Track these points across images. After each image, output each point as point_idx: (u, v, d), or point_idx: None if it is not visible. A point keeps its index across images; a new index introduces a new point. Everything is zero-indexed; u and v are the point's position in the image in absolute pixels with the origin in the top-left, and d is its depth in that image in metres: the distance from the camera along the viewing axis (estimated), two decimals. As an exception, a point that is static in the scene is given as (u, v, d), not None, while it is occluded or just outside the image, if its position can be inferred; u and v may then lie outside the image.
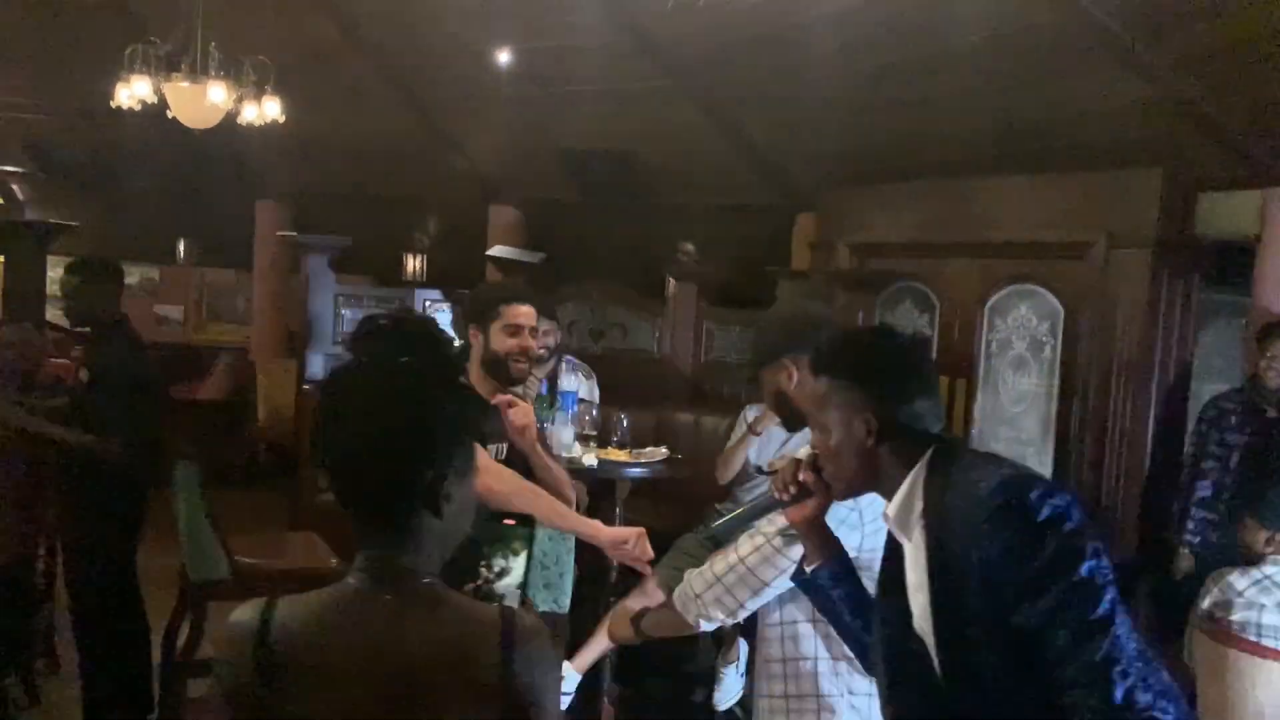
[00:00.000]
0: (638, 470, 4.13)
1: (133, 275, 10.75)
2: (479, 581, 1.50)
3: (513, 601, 1.46)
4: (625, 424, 4.38)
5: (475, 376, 2.70)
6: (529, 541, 1.49)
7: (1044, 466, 5.30)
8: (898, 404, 1.66)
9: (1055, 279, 5.36)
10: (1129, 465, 4.84)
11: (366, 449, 1.26)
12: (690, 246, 8.41)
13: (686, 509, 4.39)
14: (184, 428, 6.08)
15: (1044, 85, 4.86)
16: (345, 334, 5.22)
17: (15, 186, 10.09)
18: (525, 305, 2.73)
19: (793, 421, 2.35)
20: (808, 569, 1.87)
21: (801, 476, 1.78)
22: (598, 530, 2.49)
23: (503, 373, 2.71)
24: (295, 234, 5.61)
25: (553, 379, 4.72)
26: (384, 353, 1.30)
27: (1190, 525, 4.43)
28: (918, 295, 6.05)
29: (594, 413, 4.50)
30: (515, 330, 2.69)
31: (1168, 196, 4.78)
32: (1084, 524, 1.47)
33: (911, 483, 1.64)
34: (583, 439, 4.27)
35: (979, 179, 5.69)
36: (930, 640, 1.60)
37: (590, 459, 4.02)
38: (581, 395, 4.48)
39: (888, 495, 1.68)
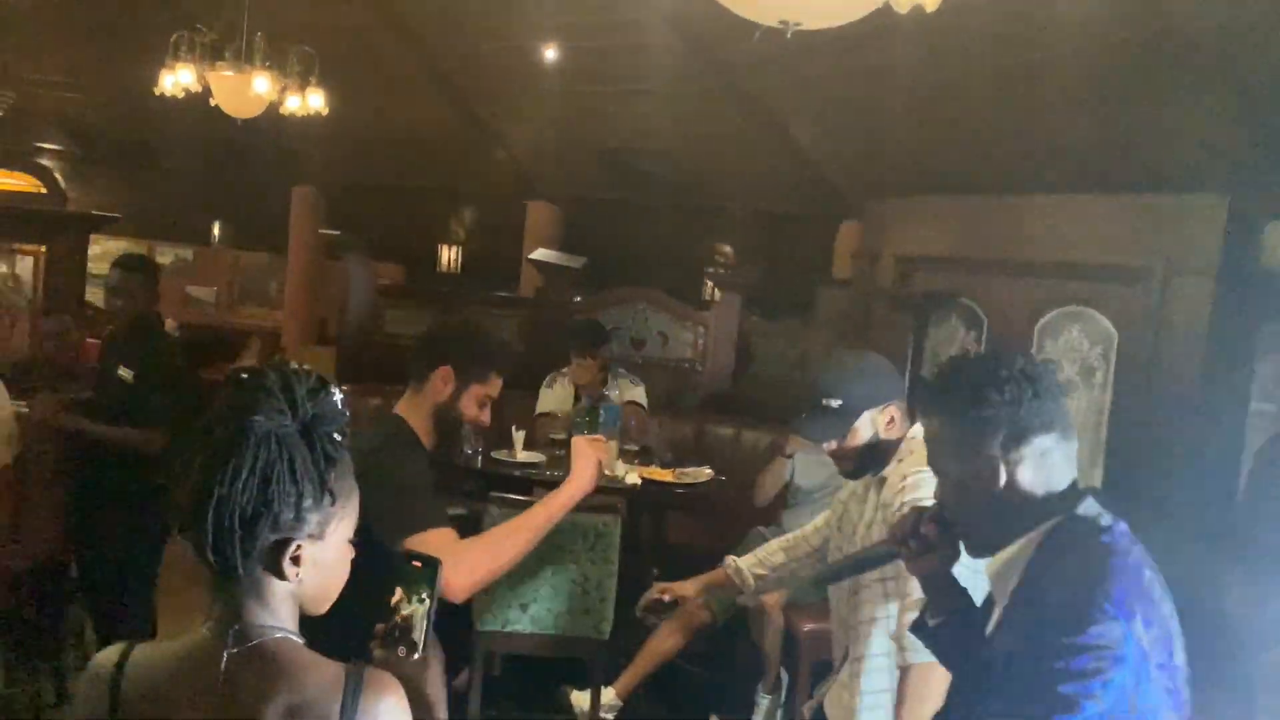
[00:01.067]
0: (680, 492, 4.04)
1: (166, 255, 10.78)
2: (388, 624, 1.43)
3: (415, 649, 1.39)
4: (667, 441, 4.30)
5: (419, 420, 2.41)
6: (432, 584, 1.45)
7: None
8: (1029, 444, 1.49)
9: (1110, 303, 5.22)
10: (1181, 500, 4.70)
11: (204, 506, 1.23)
12: (728, 249, 8.32)
13: (729, 529, 4.30)
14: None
15: (1108, 105, 4.72)
16: (376, 340, 5.15)
17: (53, 166, 10.06)
18: (503, 379, 2.49)
19: (861, 470, 2.27)
20: (930, 622, 1.72)
21: (924, 530, 1.63)
22: (565, 497, 2.40)
23: (449, 435, 2.46)
24: (337, 232, 5.53)
25: (597, 391, 4.64)
26: (230, 407, 1.26)
27: (1242, 566, 4.30)
28: (965, 311, 5.92)
29: (642, 415, 4.41)
30: (486, 401, 2.45)
31: (1233, 224, 4.62)
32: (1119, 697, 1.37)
33: (1020, 548, 1.52)
34: (626, 454, 4.19)
35: (1033, 196, 5.55)
36: None
37: (633, 478, 3.93)
38: (635, 399, 4.40)
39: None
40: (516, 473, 4.06)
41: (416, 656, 1.37)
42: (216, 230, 10.55)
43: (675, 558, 4.28)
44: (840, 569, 1.90)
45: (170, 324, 9.18)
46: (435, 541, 2.18)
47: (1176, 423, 4.81)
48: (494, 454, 4.18)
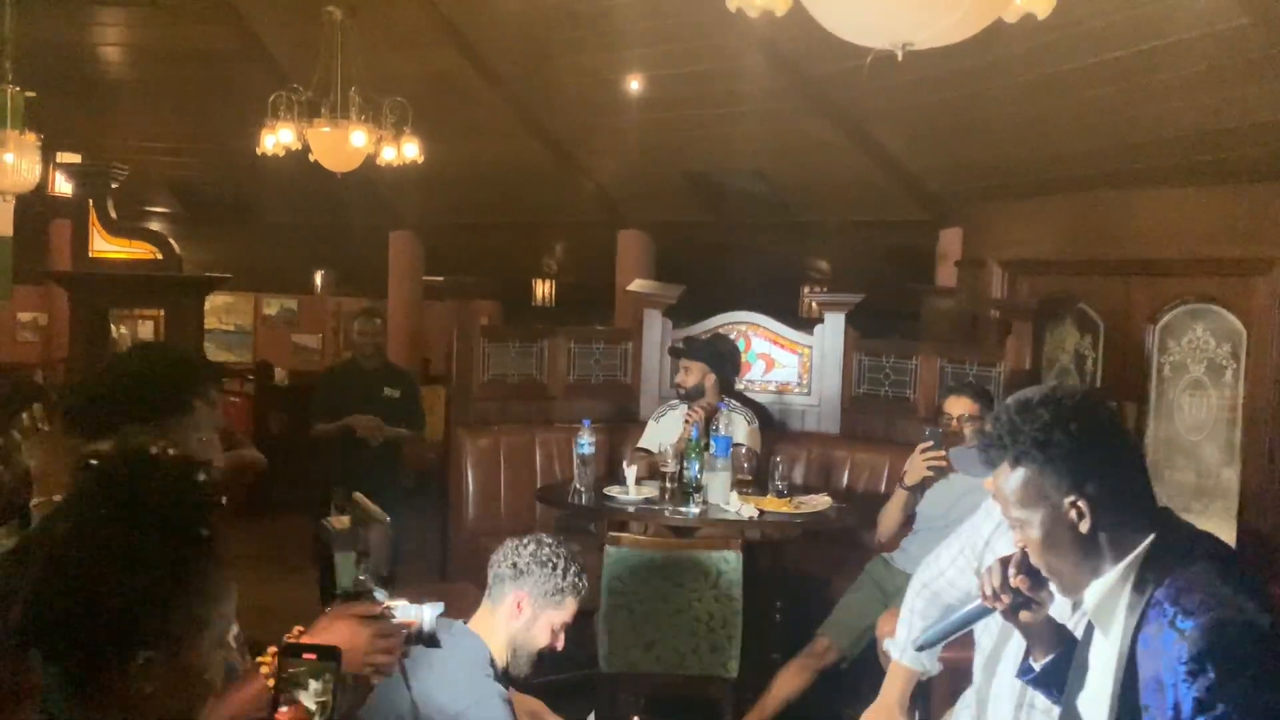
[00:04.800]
0: (799, 522, 3.95)
1: (272, 306, 11.14)
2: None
3: None
4: (780, 469, 4.20)
5: (495, 640, 2.32)
6: (337, 673, 1.27)
7: (1228, 499, 4.93)
8: (1108, 477, 1.52)
9: (1235, 297, 4.98)
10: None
11: None
12: (824, 265, 8.21)
13: (850, 556, 4.20)
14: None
15: (1227, 88, 4.50)
16: (490, 375, 5.20)
17: (164, 229, 10.52)
18: (579, 601, 2.42)
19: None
20: (1035, 665, 1.73)
21: (1014, 582, 1.63)
22: None
23: (518, 663, 2.37)
24: (440, 278, 5.63)
25: (707, 421, 4.57)
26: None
27: None
28: (1078, 315, 5.72)
29: (746, 454, 4.34)
30: (562, 628, 2.36)
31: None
32: None
33: (1123, 572, 1.52)
34: (739, 485, 4.12)
35: (1147, 189, 5.33)
36: None
37: (749, 510, 3.86)
38: (738, 439, 4.32)
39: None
40: (631, 509, 4.03)
41: None
42: (319, 279, 10.85)
43: (797, 589, 4.20)
44: (941, 631, 1.85)
45: (280, 373, 9.49)
46: None
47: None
48: (606, 490, 4.15)
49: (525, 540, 2.39)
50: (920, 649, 2.01)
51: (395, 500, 4.69)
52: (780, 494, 4.09)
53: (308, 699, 1.27)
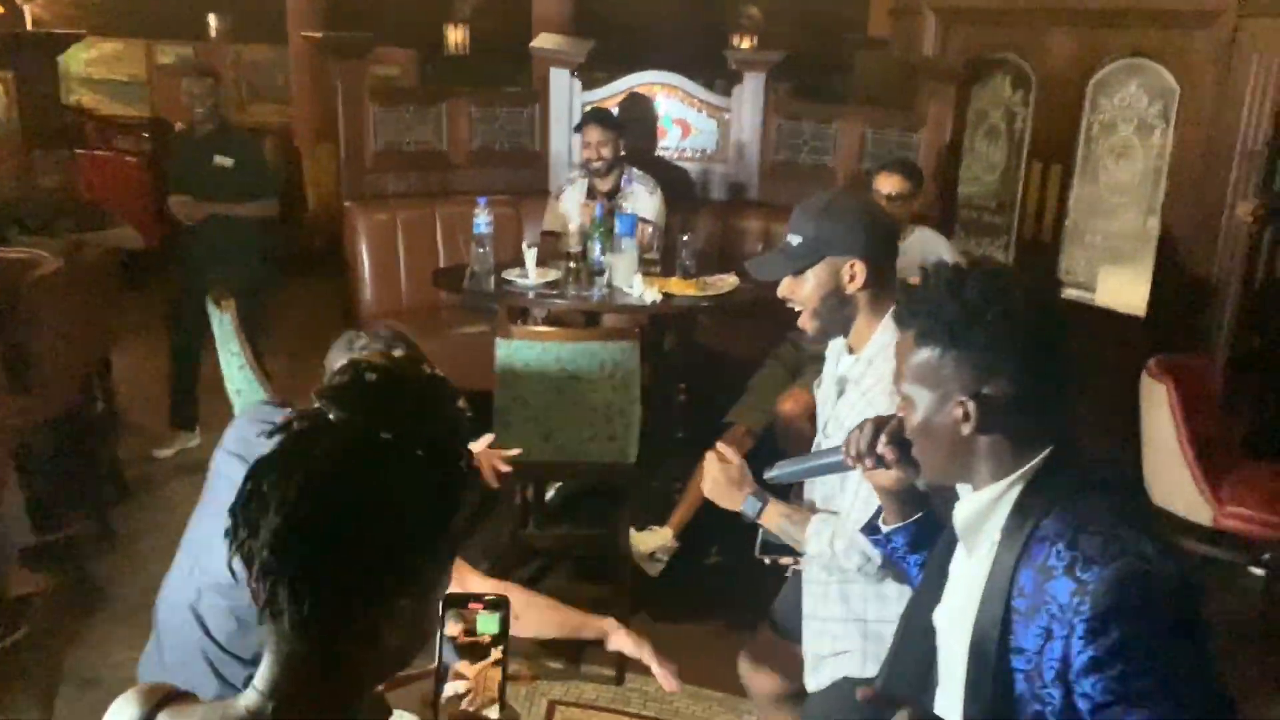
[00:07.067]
0: (705, 305, 3.81)
1: (167, 55, 10.28)
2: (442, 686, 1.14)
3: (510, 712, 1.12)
4: (688, 249, 4.01)
5: None
6: (503, 632, 1.13)
7: (1143, 266, 4.90)
8: (1010, 387, 1.34)
9: (1173, 52, 4.74)
10: (1245, 271, 4.40)
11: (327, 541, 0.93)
12: (755, 11, 7.69)
13: (760, 337, 4.10)
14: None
15: None
16: (384, 143, 4.82)
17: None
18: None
19: (827, 331, 2.07)
20: (884, 528, 1.65)
21: (881, 451, 1.52)
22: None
23: None
24: (320, 35, 5.11)
25: (611, 195, 4.34)
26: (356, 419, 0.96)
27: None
28: (1013, 69, 5.44)
29: (653, 234, 4.14)
30: None
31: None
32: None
33: (998, 494, 1.38)
34: (645, 264, 3.95)
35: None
36: (942, 637, 1.47)
37: (652, 294, 3.71)
38: (644, 215, 4.10)
39: (974, 487, 1.42)
40: (530, 294, 3.85)
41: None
42: (213, 24, 9.96)
43: (702, 370, 4.13)
44: (791, 473, 1.79)
45: (180, 128, 8.87)
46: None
47: (1244, 186, 4.44)
48: (505, 274, 3.95)
49: (358, 333, 2.23)
50: (770, 480, 1.87)
51: (256, 282, 4.52)
52: (687, 274, 3.92)
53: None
